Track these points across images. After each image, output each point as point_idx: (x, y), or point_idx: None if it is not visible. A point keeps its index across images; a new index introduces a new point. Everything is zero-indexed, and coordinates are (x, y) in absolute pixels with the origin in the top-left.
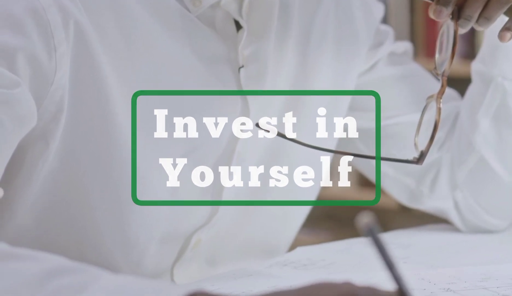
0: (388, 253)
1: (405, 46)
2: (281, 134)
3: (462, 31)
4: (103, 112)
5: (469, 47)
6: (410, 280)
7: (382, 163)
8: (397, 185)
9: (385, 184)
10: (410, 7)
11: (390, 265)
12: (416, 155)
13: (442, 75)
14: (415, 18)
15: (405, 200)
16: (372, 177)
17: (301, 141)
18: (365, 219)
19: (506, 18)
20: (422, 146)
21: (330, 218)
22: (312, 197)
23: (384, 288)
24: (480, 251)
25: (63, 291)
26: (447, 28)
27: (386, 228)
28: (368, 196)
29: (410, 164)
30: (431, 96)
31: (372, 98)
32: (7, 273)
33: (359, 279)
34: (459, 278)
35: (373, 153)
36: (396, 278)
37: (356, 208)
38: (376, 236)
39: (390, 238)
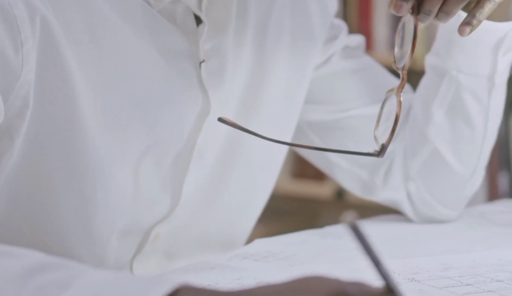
0: (374, 250)
1: (358, 39)
2: (244, 129)
3: (421, 25)
4: (69, 108)
5: None
6: (373, 271)
7: (336, 155)
8: (351, 177)
9: (339, 176)
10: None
11: (376, 262)
12: (376, 147)
13: (402, 69)
14: (348, 11)
15: (358, 191)
16: (325, 168)
17: (264, 136)
18: (349, 218)
19: (464, 14)
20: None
21: (265, 210)
22: (269, 189)
23: (372, 284)
24: (435, 241)
25: (48, 287)
26: (405, 22)
27: (320, 218)
28: (301, 187)
29: (364, 156)
30: (391, 90)
31: (326, 91)
32: None
33: (321, 270)
34: (421, 268)
35: (326, 145)
36: (383, 274)
37: (289, 199)
38: (361, 234)
39: (343, 229)
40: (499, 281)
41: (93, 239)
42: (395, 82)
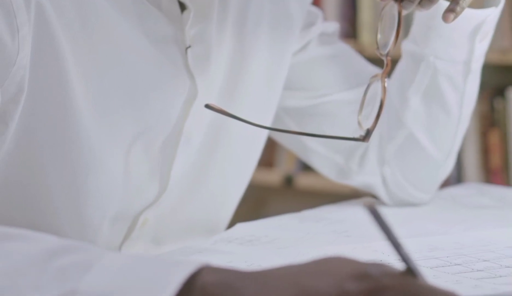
0: (394, 234)
1: (334, 26)
2: (231, 115)
3: (404, 12)
4: (62, 93)
5: (350, 27)
6: (363, 252)
7: (312, 140)
8: (326, 162)
9: (314, 161)
10: None
11: (396, 245)
12: (352, 132)
13: (386, 55)
14: None
15: (334, 176)
16: (300, 154)
17: (250, 121)
18: (370, 203)
19: (444, 1)
20: (351, 123)
21: None
22: (249, 173)
23: (392, 266)
24: (412, 223)
25: (69, 269)
26: (389, 9)
27: (269, 205)
28: (258, 174)
29: (339, 141)
30: (375, 76)
31: (304, 78)
32: (9, 253)
33: (310, 253)
34: (408, 249)
35: (303, 131)
36: (403, 256)
37: None
38: (382, 219)
39: (320, 213)
40: (486, 260)
41: (84, 225)
42: (370, 68)
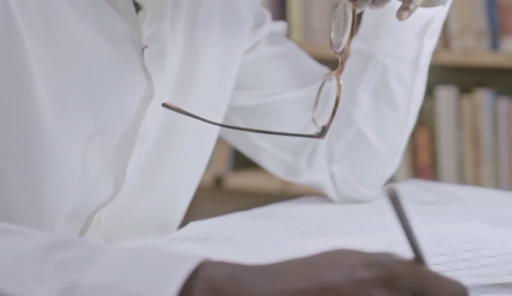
0: (409, 221)
1: (282, 26)
2: (189, 114)
3: (358, 10)
4: (24, 89)
5: None
6: (326, 247)
7: (260, 138)
8: (274, 160)
9: (262, 159)
10: None
11: (409, 233)
12: (299, 130)
13: (341, 54)
14: None
15: (282, 174)
16: (249, 152)
17: (208, 120)
18: (391, 188)
19: (398, 2)
20: (300, 122)
21: None
22: (201, 171)
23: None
24: (363, 219)
25: (71, 263)
26: (342, 8)
27: (199, 205)
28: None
29: (288, 139)
30: (328, 74)
31: (253, 77)
32: (10, 246)
33: (269, 248)
34: (365, 244)
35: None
36: (414, 245)
37: None
38: (400, 205)
39: (271, 211)
40: (442, 254)
41: (42, 222)
42: (318, 67)
